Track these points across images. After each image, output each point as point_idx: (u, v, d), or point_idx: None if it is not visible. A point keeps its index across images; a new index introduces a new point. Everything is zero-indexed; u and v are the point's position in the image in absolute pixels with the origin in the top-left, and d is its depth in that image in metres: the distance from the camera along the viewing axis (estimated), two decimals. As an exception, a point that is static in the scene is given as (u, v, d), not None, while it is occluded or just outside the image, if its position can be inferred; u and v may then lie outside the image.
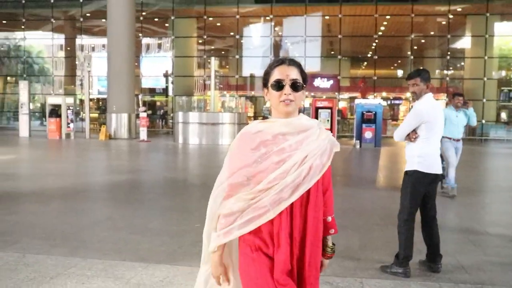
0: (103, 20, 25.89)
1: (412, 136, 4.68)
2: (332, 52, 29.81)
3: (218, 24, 31.34)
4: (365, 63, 33.00)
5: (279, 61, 2.25)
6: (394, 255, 4.73)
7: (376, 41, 28.53)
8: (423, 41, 30.55)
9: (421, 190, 4.65)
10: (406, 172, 4.75)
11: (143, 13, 29.25)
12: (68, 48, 32.98)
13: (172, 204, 8.37)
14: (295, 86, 2.18)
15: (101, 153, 17.36)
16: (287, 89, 2.16)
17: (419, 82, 4.74)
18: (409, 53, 28.27)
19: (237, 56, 29.95)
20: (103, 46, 30.32)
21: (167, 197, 9.18)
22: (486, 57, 26.66)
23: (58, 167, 12.77)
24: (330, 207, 2.37)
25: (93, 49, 32.62)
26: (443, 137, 8.23)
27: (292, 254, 2.15)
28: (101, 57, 26.67)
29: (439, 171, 4.70)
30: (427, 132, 4.63)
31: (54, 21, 30.92)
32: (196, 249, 5.42)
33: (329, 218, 2.37)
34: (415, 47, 29.31)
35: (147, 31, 30.86)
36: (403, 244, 4.65)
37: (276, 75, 2.19)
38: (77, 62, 31.12)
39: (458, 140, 9.14)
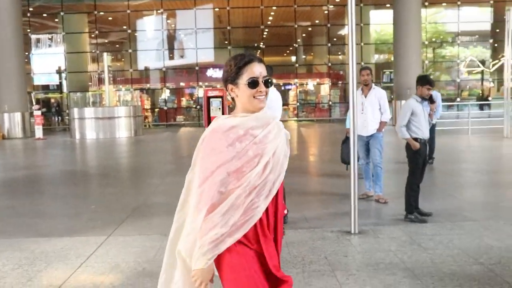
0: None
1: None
2: (226, 42, 31.03)
3: (110, 18, 31.51)
4: (256, 52, 34.64)
5: (249, 58, 2.30)
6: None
7: (266, 30, 30.20)
8: (309, 29, 32.63)
9: None
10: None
11: (30, 9, 28.83)
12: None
13: (69, 192, 9.28)
14: (267, 83, 2.29)
15: (0, 152, 17.48)
16: (262, 86, 2.26)
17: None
18: (299, 40, 30.27)
19: (130, 50, 30.42)
20: None
21: (64, 186, 10.02)
22: (362, 44, 29.11)
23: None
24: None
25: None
26: None
27: (268, 245, 2.27)
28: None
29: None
30: None
31: None
32: (91, 225, 6.49)
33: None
34: (303, 35, 31.41)
35: (36, 26, 30.43)
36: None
37: (250, 72, 2.25)
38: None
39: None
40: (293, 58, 32.13)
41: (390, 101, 29.44)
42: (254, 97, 2.24)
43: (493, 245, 5.04)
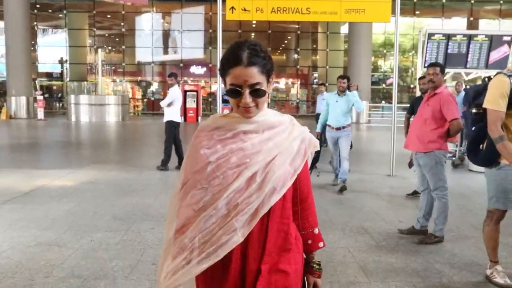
0: None
1: None
2: (209, 43, 34.97)
3: (108, 16, 35.53)
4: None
5: (235, 58, 1.73)
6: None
7: (253, 35, 34.22)
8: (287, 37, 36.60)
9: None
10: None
11: (37, 5, 32.83)
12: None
13: (58, 152, 13.42)
14: (256, 93, 1.74)
15: (4, 128, 21.59)
16: (246, 97, 1.72)
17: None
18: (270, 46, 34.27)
19: (124, 46, 34.49)
20: None
21: (55, 149, 14.15)
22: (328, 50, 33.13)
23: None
24: (314, 217, 1.98)
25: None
26: (326, 125, 8.46)
27: (246, 276, 1.77)
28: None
29: None
30: None
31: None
32: (66, 165, 10.56)
33: (316, 230, 1.98)
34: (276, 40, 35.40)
35: (42, 20, 34.48)
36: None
37: (232, 77, 1.73)
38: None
39: (338, 128, 8.24)
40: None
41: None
42: (238, 106, 1.75)
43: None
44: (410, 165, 6.23)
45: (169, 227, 1.86)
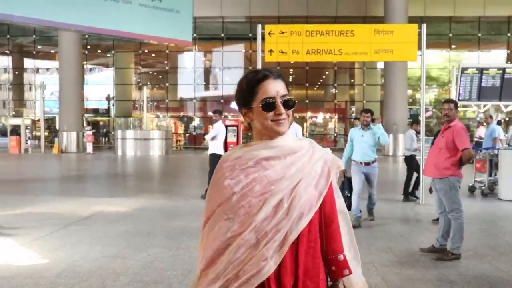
0: (50, 46, 31.44)
1: None
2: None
3: (153, 55, 37.35)
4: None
5: (262, 75, 1.85)
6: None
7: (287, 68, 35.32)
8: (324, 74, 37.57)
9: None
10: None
11: (88, 46, 34.85)
12: (16, 73, 37.77)
13: (108, 182, 14.46)
14: (288, 103, 1.83)
15: (57, 161, 23.00)
16: (280, 108, 1.80)
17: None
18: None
19: (167, 84, 36.08)
20: (47, 69, 36.29)
21: (106, 180, 15.21)
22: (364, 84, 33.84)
23: (33, 171, 18.51)
24: (339, 242, 1.92)
25: (37, 70, 37.38)
26: (351, 160, 8.22)
27: None
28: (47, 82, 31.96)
29: None
30: None
31: (7, 51, 36.06)
32: (114, 194, 11.56)
33: (341, 256, 1.91)
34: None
35: (92, 60, 36.52)
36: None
37: (263, 92, 1.81)
38: (28, 86, 36.52)
39: (367, 163, 8.10)
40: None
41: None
42: (272, 120, 1.80)
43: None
44: (431, 190, 6.86)
45: (199, 263, 1.85)
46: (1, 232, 7.28)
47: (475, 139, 16.41)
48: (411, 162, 10.76)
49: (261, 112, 1.81)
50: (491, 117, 13.94)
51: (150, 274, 5.26)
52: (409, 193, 10.69)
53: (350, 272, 1.92)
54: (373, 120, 8.17)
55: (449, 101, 6.17)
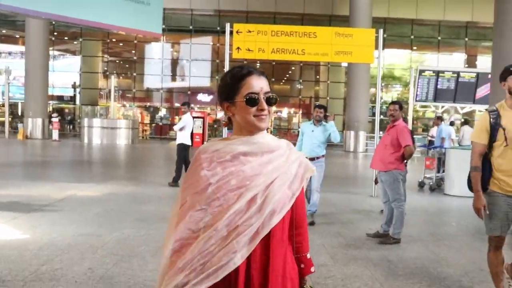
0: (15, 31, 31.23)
1: None
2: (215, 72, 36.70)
3: (121, 44, 37.44)
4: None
5: (247, 70, 1.91)
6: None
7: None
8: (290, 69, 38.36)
9: None
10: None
11: (55, 33, 34.69)
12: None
13: (72, 168, 14.86)
14: (270, 100, 1.91)
15: (24, 147, 23.11)
16: (263, 103, 1.87)
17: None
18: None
19: (135, 74, 36.26)
20: (9, 53, 36.02)
21: (70, 166, 15.59)
22: (329, 82, 34.78)
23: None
24: (307, 243, 2.05)
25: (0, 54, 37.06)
26: None
27: None
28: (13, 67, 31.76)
29: None
30: None
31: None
32: (81, 179, 12.00)
33: (308, 255, 2.05)
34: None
35: (59, 47, 36.36)
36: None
37: (247, 87, 1.87)
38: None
39: (312, 159, 7.57)
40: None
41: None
42: (254, 116, 1.87)
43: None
44: (376, 181, 7.60)
45: (166, 249, 1.86)
46: (-21, 211, 7.74)
47: (429, 138, 17.41)
48: None
49: (244, 107, 1.87)
50: (439, 118, 14.87)
51: (124, 249, 5.85)
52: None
53: (315, 270, 2.08)
54: (325, 117, 8.07)
55: (394, 102, 6.94)
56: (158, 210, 8.39)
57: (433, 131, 15.76)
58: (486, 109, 4.38)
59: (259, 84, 1.89)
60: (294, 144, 8.74)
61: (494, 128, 4.12)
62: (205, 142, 2.21)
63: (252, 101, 1.86)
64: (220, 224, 1.78)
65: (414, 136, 7.51)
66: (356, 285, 4.94)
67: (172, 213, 1.94)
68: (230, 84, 1.92)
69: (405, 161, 6.81)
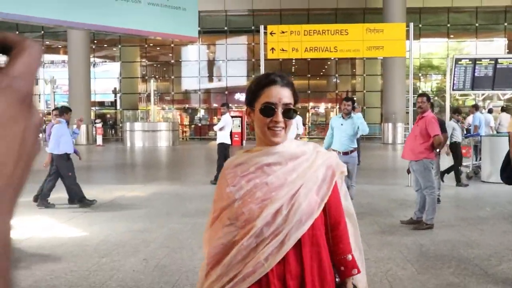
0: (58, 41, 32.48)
1: None
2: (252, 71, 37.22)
3: (158, 48, 38.41)
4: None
5: (270, 79, 1.87)
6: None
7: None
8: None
9: None
10: None
11: (95, 41, 35.92)
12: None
13: (119, 171, 15.58)
14: (288, 113, 1.83)
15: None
16: (279, 116, 1.81)
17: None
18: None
19: (173, 76, 37.16)
20: (51, 62, 37.48)
21: (116, 169, 16.34)
22: (365, 75, 34.78)
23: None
24: (347, 243, 1.99)
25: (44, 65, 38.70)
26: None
27: None
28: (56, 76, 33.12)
29: None
30: None
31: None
32: (129, 181, 12.66)
33: (349, 257, 1.98)
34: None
35: (99, 54, 37.62)
36: None
37: (266, 96, 1.83)
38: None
39: (345, 153, 7.72)
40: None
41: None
42: (268, 127, 1.81)
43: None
44: (408, 171, 7.88)
45: (203, 263, 1.96)
46: (41, 211, 8.43)
47: (465, 127, 17.44)
48: (456, 150, 11.23)
49: (260, 116, 1.83)
50: (474, 106, 14.93)
51: (174, 242, 6.38)
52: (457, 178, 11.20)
53: (359, 271, 2.00)
54: (353, 109, 8.09)
55: (421, 95, 7.26)
56: (203, 206, 8.87)
57: (469, 119, 15.81)
58: None
59: (279, 94, 1.83)
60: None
61: None
62: (245, 142, 2.12)
63: (267, 111, 1.82)
64: (247, 237, 1.81)
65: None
66: (388, 266, 5.30)
67: (208, 221, 2.02)
68: (253, 90, 1.90)
69: (437, 150, 7.10)
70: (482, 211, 8.43)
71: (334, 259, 1.96)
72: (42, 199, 8.95)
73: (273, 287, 1.79)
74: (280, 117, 1.80)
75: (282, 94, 1.83)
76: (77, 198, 9.09)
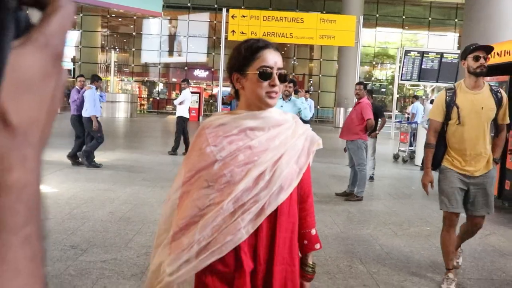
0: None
1: None
2: (212, 48, 37.77)
3: (120, 19, 38.40)
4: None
5: (264, 43, 1.84)
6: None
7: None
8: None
9: None
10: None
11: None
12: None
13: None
14: (281, 78, 1.82)
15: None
16: (276, 79, 1.79)
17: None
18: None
19: (133, 49, 37.35)
20: None
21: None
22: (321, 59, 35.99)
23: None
24: (312, 218, 2.03)
25: None
26: None
27: (257, 276, 1.80)
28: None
29: None
30: None
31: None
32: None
33: (313, 231, 2.01)
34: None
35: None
36: None
37: (262, 60, 1.79)
38: None
39: None
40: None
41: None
42: (265, 92, 1.78)
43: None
44: (345, 150, 8.96)
45: (161, 233, 1.89)
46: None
47: (406, 115, 18.84)
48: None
49: (256, 80, 1.78)
50: (415, 96, 16.29)
51: (136, 200, 7.27)
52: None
53: (321, 247, 2.02)
54: (296, 92, 7.91)
55: (359, 83, 8.34)
56: (161, 172, 9.79)
57: (410, 108, 17.16)
58: (445, 88, 4.41)
59: (274, 58, 1.81)
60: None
61: (449, 106, 4.13)
62: (201, 117, 2.15)
63: (265, 75, 1.78)
64: (226, 201, 1.74)
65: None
66: (318, 226, 6.32)
67: (167, 196, 1.95)
68: (244, 55, 1.83)
69: (368, 132, 8.19)
70: (408, 189, 9.64)
71: (299, 232, 1.95)
72: (88, 160, 10.26)
73: (243, 255, 1.77)
74: (277, 81, 1.79)
75: (276, 58, 1.83)
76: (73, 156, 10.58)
